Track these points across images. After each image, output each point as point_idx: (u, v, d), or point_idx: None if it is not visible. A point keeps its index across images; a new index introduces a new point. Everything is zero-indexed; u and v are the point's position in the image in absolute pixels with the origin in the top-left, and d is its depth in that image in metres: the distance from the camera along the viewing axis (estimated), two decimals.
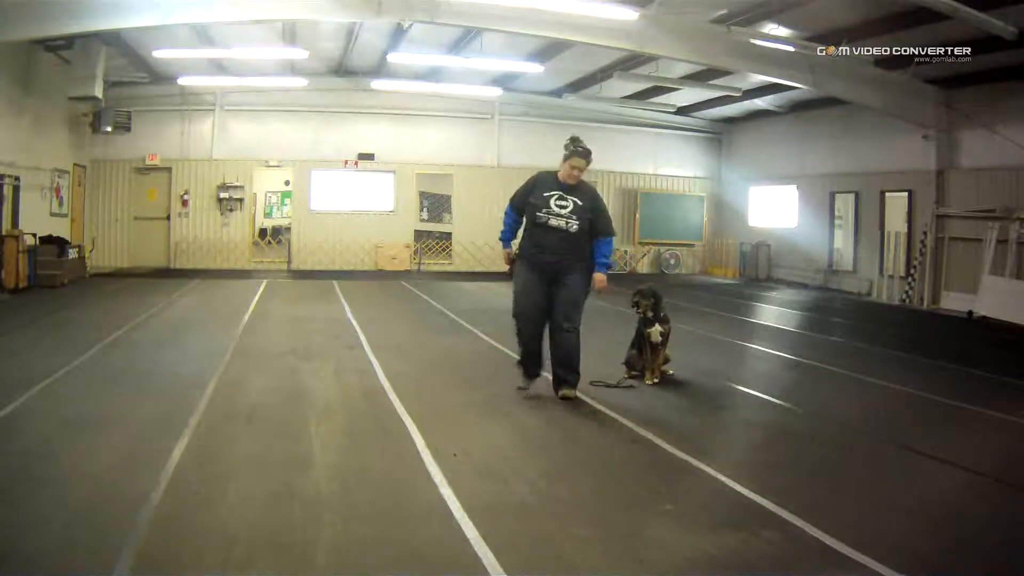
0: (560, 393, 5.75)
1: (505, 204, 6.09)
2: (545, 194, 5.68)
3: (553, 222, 5.62)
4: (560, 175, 5.71)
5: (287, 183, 20.07)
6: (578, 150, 5.65)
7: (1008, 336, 10.82)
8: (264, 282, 14.61)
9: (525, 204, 5.77)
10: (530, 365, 5.90)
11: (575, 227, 5.62)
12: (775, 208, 18.89)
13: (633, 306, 6.53)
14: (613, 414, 5.43)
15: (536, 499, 3.77)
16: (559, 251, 5.65)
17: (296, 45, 13.98)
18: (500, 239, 6.06)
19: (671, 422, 5.32)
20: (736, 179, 20.23)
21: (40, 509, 3.43)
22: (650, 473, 4.24)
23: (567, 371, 5.77)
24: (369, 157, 18.20)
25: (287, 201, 21.43)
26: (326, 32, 13.94)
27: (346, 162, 18.21)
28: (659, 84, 15.85)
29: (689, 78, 15.64)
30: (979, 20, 9.47)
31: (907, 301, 14.30)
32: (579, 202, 5.67)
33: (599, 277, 5.73)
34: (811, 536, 3.40)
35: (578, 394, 5.76)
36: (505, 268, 6.05)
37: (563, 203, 5.64)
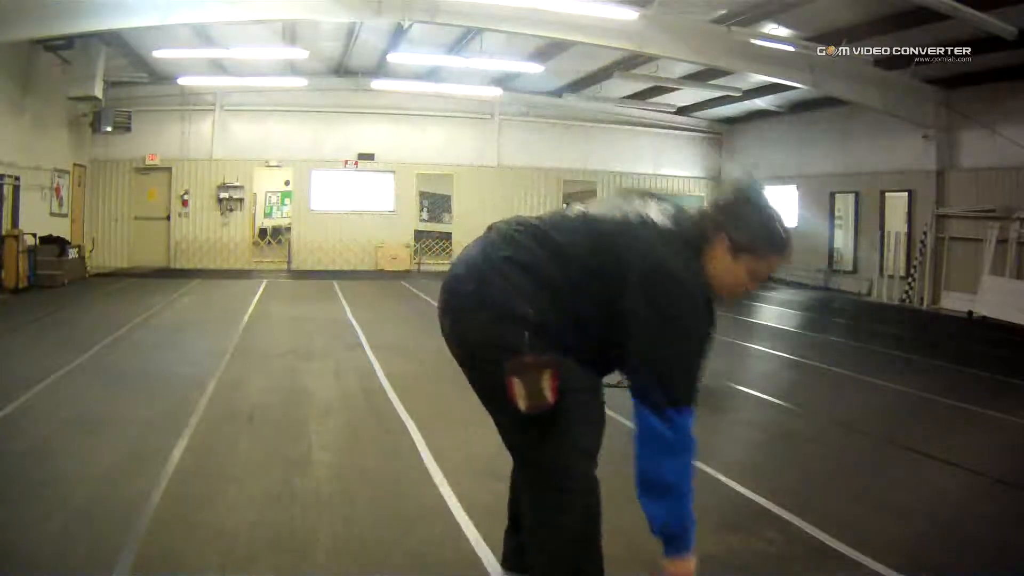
0: None
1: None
2: None
3: None
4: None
5: (287, 183, 20.06)
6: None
7: (1008, 336, 10.81)
8: (264, 282, 14.61)
9: None
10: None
11: None
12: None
13: None
14: (613, 414, 5.39)
15: None
16: None
17: (296, 45, 13.97)
18: (684, 549, 2.22)
19: None
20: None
21: (40, 509, 3.42)
22: None
23: None
24: (369, 157, 18.19)
25: (287, 201, 21.41)
26: (326, 32, 13.93)
27: (346, 162, 18.20)
28: (659, 84, 15.84)
29: (689, 78, 15.62)
30: (979, 20, 9.46)
31: (907, 301, 14.29)
32: None
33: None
34: (811, 536, 3.40)
35: None
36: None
37: None
